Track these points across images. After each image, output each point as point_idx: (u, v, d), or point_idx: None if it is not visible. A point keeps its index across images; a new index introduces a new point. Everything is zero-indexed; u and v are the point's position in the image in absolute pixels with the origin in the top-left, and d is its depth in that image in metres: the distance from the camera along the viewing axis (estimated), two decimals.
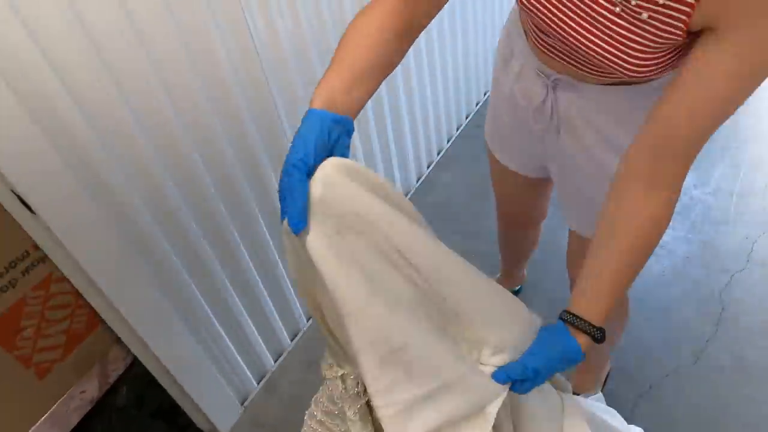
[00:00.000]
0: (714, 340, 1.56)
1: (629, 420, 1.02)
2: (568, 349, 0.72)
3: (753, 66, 0.60)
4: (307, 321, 1.79)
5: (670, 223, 0.71)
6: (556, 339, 0.73)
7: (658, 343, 1.57)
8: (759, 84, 0.62)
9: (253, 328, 1.58)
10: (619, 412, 1.03)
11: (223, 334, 1.48)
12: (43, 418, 1.16)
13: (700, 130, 0.65)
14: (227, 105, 1.25)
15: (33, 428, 1.14)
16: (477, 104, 2.48)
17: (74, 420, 1.23)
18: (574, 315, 0.73)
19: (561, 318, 0.75)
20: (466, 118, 2.42)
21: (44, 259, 1.06)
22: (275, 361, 1.70)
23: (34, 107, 0.89)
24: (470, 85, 2.35)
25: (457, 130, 2.37)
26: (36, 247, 1.04)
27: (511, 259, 1.67)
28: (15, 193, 0.93)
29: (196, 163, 1.22)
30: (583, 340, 0.72)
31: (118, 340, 1.26)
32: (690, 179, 2.05)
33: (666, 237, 1.81)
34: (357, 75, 0.67)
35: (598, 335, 0.72)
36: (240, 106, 1.28)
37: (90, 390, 1.25)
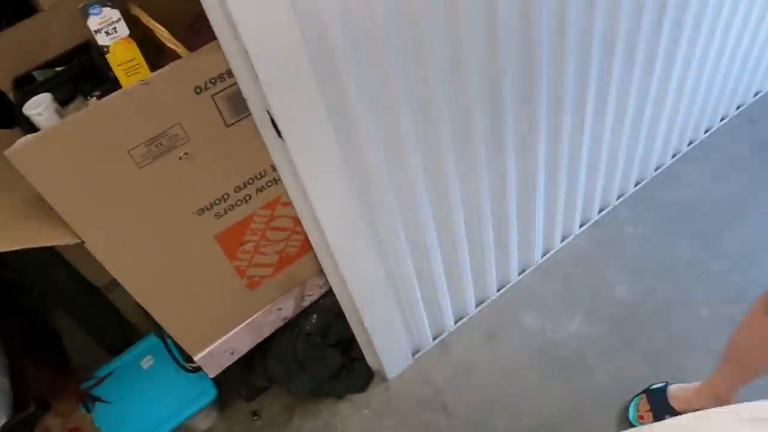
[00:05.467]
0: None
1: None
2: None
3: None
4: (497, 291, 1.68)
5: None
6: None
7: None
8: None
9: (445, 284, 1.52)
10: None
11: (416, 283, 1.43)
12: (243, 323, 1.21)
13: None
14: None
15: (234, 330, 1.20)
16: (756, 94, 2.06)
17: (266, 332, 1.28)
18: None
19: None
20: (737, 108, 2.02)
21: (277, 181, 1.05)
22: (455, 323, 1.64)
23: (309, 40, 0.83)
24: (750, 70, 1.93)
25: (721, 121, 2.00)
26: (273, 169, 1.03)
27: (743, 369, 1.16)
28: (270, 115, 0.90)
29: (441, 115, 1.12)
30: None
31: (320, 270, 1.27)
32: None
33: None
34: None
35: None
36: None
37: (286, 309, 1.28)
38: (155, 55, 1.04)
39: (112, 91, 1.04)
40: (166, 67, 0.84)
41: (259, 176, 1.02)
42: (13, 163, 0.77)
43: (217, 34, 0.83)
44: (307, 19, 0.83)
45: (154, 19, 1.02)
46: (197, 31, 1.12)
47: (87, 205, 0.87)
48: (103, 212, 0.89)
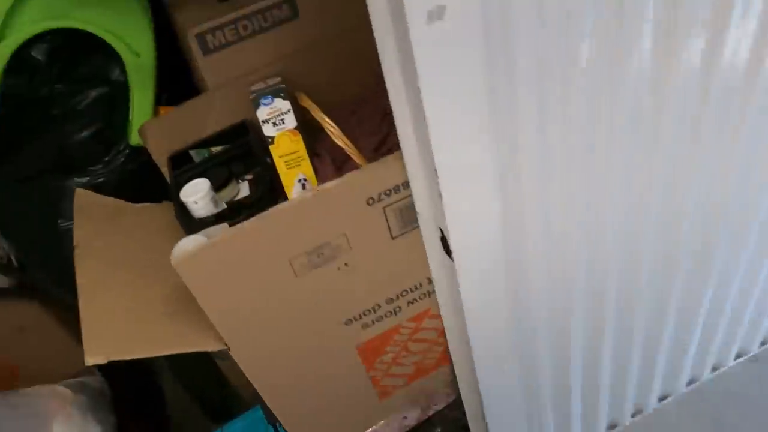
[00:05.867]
0: None
1: None
2: None
3: None
4: (631, 417, 1.49)
5: None
6: None
7: None
8: None
9: (580, 405, 1.35)
10: None
11: (549, 401, 1.28)
12: (367, 431, 1.12)
13: None
14: None
15: None
16: None
17: None
18: None
19: None
20: None
21: (431, 294, 0.96)
22: None
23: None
24: None
25: None
26: (429, 281, 0.94)
27: None
28: (442, 233, 0.81)
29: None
30: None
31: (451, 381, 1.15)
32: None
33: None
34: None
35: None
36: None
37: (410, 418, 1.17)
38: (310, 135, 1.00)
39: (265, 175, 1.01)
40: (343, 178, 0.77)
41: (413, 288, 0.93)
42: (177, 270, 0.72)
43: (402, 146, 0.76)
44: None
45: (311, 95, 0.97)
46: (359, 121, 1.07)
47: (239, 313, 0.81)
48: (253, 320, 0.83)
